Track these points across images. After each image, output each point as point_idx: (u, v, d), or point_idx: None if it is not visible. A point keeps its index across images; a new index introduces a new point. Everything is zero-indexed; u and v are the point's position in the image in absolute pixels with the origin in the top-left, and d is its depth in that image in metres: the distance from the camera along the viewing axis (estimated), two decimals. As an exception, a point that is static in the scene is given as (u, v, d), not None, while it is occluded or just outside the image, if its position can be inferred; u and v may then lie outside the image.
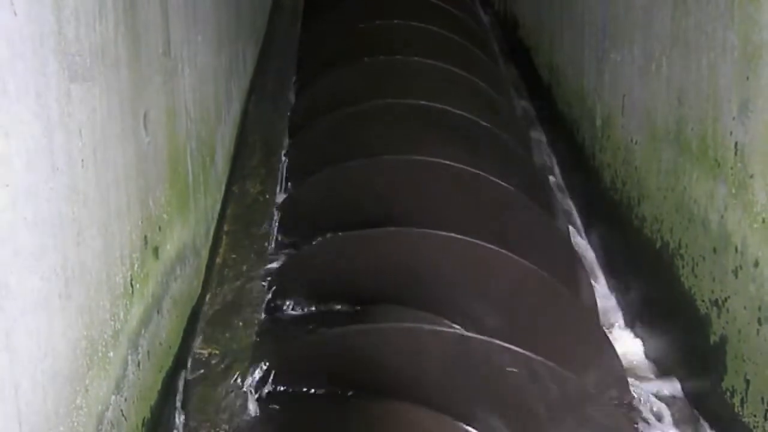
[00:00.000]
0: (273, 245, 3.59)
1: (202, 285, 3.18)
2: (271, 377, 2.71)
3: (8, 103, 1.49)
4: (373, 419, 2.62)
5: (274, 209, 3.78)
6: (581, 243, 3.98)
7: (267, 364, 2.73)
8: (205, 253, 3.29)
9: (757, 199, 2.49)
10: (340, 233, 3.40)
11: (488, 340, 2.60)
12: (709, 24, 2.79)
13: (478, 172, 3.48)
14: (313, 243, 3.42)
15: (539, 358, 2.53)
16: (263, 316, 3.13)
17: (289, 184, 4.08)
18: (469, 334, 2.79)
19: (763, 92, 2.45)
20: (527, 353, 2.54)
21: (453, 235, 3.05)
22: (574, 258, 3.42)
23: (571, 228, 4.01)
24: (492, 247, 3.02)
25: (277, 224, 3.70)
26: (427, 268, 3.10)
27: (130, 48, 2.29)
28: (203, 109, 3.35)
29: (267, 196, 3.94)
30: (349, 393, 2.68)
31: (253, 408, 2.61)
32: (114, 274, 2.10)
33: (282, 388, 2.71)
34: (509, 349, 2.54)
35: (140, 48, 2.41)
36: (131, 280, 2.24)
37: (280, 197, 3.96)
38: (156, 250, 2.53)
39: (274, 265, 3.41)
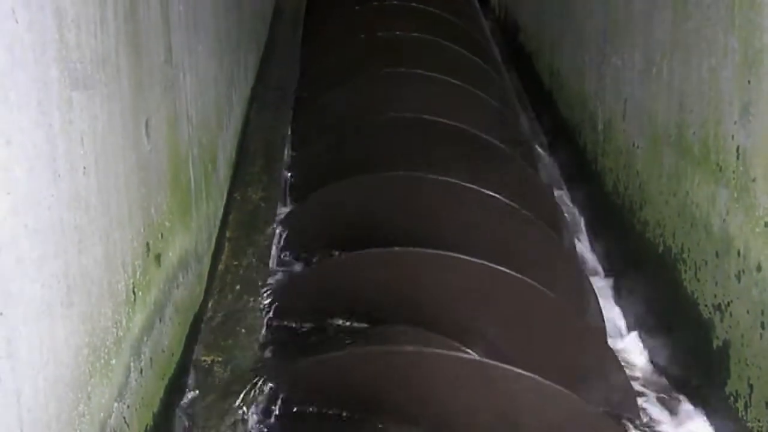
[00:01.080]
0: (274, 263, 3.55)
1: (204, 292, 3.18)
2: (278, 398, 2.68)
3: (10, 111, 1.50)
4: None
5: (275, 225, 3.75)
6: (583, 247, 3.97)
7: (273, 384, 2.70)
8: (207, 260, 3.29)
9: (759, 202, 2.49)
10: (343, 253, 3.36)
11: (496, 365, 2.58)
12: (710, 28, 2.79)
13: (482, 189, 3.44)
14: (316, 262, 3.39)
15: (548, 382, 2.51)
16: (265, 331, 3.10)
17: (291, 199, 4.04)
18: (476, 357, 2.77)
19: (764, 96, 2.45)
20: (535, 377, 2.51)
21: (458, 255, 3.01)
22: (581, 276, 3.36)
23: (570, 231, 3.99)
24: (497, 267, 2.98)
25: (278, 241, 3.66)
26: (431, 288, 3.06)
27: (131, 56, 2.29)
28: (205, 117, 3.36)
29: (269, 203, 3.95)
30: (356, 415, 2.66)
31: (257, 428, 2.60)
32: (116, 282, 2.10)
33: (288, 409, 2.68)
34: (520, 374, 2.52)
35: (141, 56, 2.41)
36: (133, 287, 2.24)
37: (282, 211, 3.91)
38: (158, 257, 2.53)
39: (278, 276, 3.38)
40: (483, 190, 3.44)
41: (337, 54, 4.99)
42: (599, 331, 3.22)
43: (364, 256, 3.20)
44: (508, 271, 2.97)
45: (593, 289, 3.33)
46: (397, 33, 4.90)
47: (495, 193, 3.44)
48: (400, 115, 4.02)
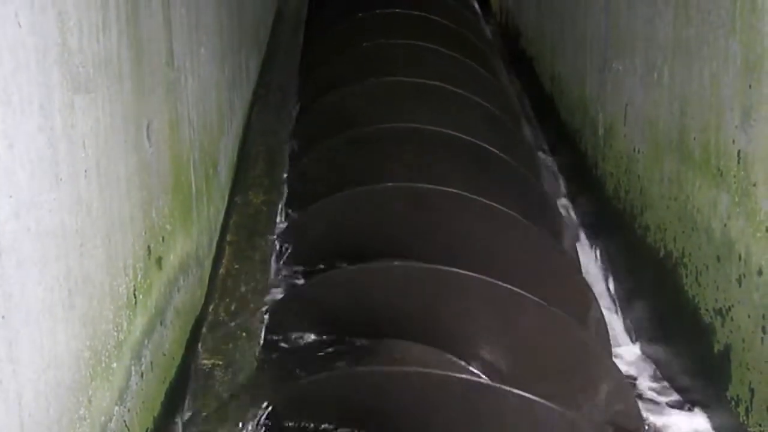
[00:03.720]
0: (273, 275, 3.52)
1: (205, 295, 3.18)
2: (277, 415, 2.66)
3: (12, 114, 1.50)
4: None
5: (275, 238, 3.71)
6: (584, 251, 3.97)
7: (269, 404, 2.67)
8: (208, 264, 3.29)
9: (760, 207, 2.49)
10: (343, 267, 3.33)
11: (498, 387, 2.56)
12: (711, 33, 2.79)
13: (484, 200, 3.41)
14: (315, 276, 3.37)
15: (551, 404, 2.49)
16: (263, 346, 3.07)
17: (290, 211, 3.99)
18: (478, 379, 2.75)
19: (765, 101, 2.45)
20: (536, 399, 2.50)
21: (458, 270, 2.98)
22: (585, 290, 3.34)
23: (572, 235, 3.99)
24: (498, 282, 2.95)
25: (278, 253, 3.64)
26: (431, 303, 3.04)
27: (133, 59, 2.30)
28: (206, 120, 3.36)
29: (270, 207, 3.95)
30: None
31: None
32: (117, 285, 2.10)
33: (285, 428, 2.66)
34: (520, 395, 2.50)
35: (143, 59, 2.41)
36: (134, 290, 2.24)
37: (281, 225, 3.88)
38: (159, 261, 2.53)
39: (277, 290, 3.36)
40: (484, 200, 3.41)
41: (337, 62, 4.97)
42: (602, 342, 3.20)
43: (364, 271, 3.17)
44: (510, 287, 2.94)
45: (596, 298, 3.31)
46: (399, 41, 4.89)
47: (496, 203, 3.41)
48: (400, 125, 3.99)
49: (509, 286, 2.93)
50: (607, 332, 3.26)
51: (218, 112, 3.66)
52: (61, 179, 1.72)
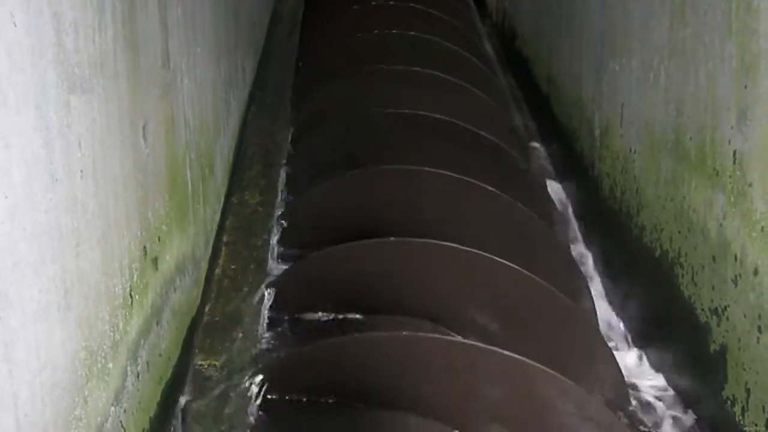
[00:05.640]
0: (274, 255, 3.59)
1: (201, 296, 3.18)
2: (270, 386, 2.70)
3: (8, 115, 1.50)
4: (371, 427, 2.61)
5: (275, 220, 3.78)
6: (581, 252, 3.98)
7: (266, 373, 2.72)
8: (204, 264, 3.29)
9: (756, 207, 2.49)
10: (339, 244, 3.39)
11: (484, 347, 2.60)
12: (707, 34, 2.79)
13: (476, 182, 3.49)
14: (313, 253, 3.42)
15: (537, 364, 2.53)
16: (265, 324, 3.13)
17: (289, 194, 4.08)
18: (466, 341, 2.79)
19: (761, 101, 2.46)
20: (524, 359, 2.54)
21: (450, 244, 3.06)
22: (573, 266, 3.42)
23: (570, 237, 4.01)
24: (489, 256, 3.02)
25: (277, 235, 3.70)
26: (424, 278, 3.10)
27: (129, 60, 2.29)
28: (202, 121, 3.36)
29: (266, 207, 3.95)
30: (348, 402, 2.68)
31: (253, 416, 2.61)
32: (113, 285, 2.10)
33: (281, 396, 2.71)
34: (507, 356, 2.54)
35: (139, 60, 2.41)
36: (130, 291, 2.24)
37: (280, 207, 3.96)
38: (155, 261, 2.52)
39: (274, 275, 3.40)
40: (476, 182, 3.50)
41: (332, 53, 5.04)
42: (590, 318, 3.26)
43: (356, 248, 3.24)
44: (500, 260, 3.02)
45: (585, 280, 3.36)
46: (393, 31, 4.96)
47: (487, 185, 3.49)
48: (396, 111, 4.08)
49: (503, 261, 3.01)
50: (596, 314, 3.32)
51: (214, 113, 3.66)
52: (56, 179, 1.72)
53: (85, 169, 1.89)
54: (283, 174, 4.24)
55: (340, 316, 3.21)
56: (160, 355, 2.54)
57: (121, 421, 2.09)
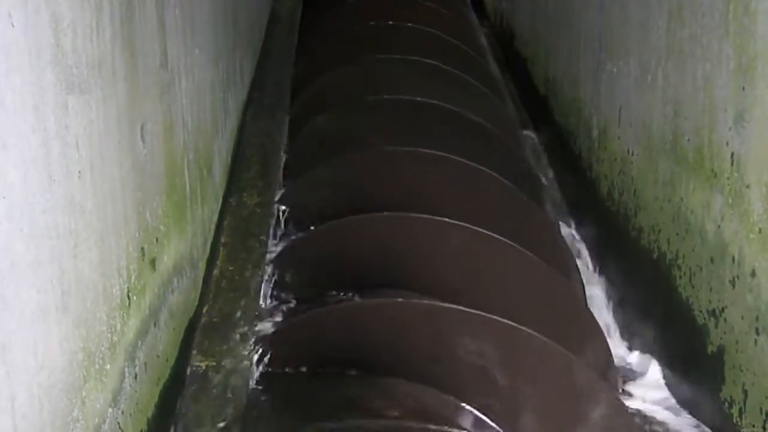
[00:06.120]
0: (275, 239, 3.65)
1: (199, 297, 3.18)
2: (266, 358, 2.73)
3: (5, 115, 1.50)
4: (365, 393, 2.64)
5: (274, 207, 3.82)
6: (578, 252, 3.98)
7: (260, 346, 2.75)
8: (202, 265, 3.29)
9: (753, 208, 2.50)
10: (336, 221, 3.44)
11: (472, 312, 2.64)
12: (705, 35, 2.80)
13: (470, 163, 3.57)
14: (311, 230, 3.49)
15: (529, 330, 2.57)
16: (267, 302, 3.17)
17: (287, 179, 4.14)
18: (453, 305, 2.80)
19: (758, 102, 2.46)
20: (516, 325, 2.58)
21: (443, 219, 3.13)
22: (562, 244, 3.52)
23: (567, 237, 4.01)
24: (483, 231, 3.10)
25: (276, 221, 3.75)
26: (418, 253, 3.16)
27: (127, 60, 2.29)
28: (200, 121, 3.36)
29: (264, 208, 3.94)
30: (344, 371, 2.72)
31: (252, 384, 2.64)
32: (111, 286, 2.09)
33: (275, 369, 2.74)
34: (496, 320, 2.57)
35: (137, 60, 2.41)
36: (128, 292, 2.24)
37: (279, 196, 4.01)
38: (153, 262, 2.52)
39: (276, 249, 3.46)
40: (471, 163, 3.58)
41: (330, 45, 5.12)
42: (579, 294, 3.34)
43: (349, 223, 3.28)
44: (493, 234, 3.08)
45: (574, 260, 3.46)
46: (390, 23, 5.04)
47: (482, 166, 3.57)
48: (393, 97, 4.14)
49: (497, 236, 3.07)
50: (584, 291, 3.40)
51: (213, 114, 3.66)
52: (54, 180, 1.71)
53: (83, 169, 1.89)
54: (280, 175, 4.26)
55: (337, 293, 3.25)
56: (158, 356, 2.54)
57: (118, 423, 2.09)
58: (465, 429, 2.56)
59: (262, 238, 3.70)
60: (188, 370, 2.83)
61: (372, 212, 3.35)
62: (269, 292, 3.28)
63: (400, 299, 2.86)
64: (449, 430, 2.54)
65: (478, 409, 2.60)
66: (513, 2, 6.20)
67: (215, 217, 3.65)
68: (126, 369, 2.18)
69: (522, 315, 2.83)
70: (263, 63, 5.48)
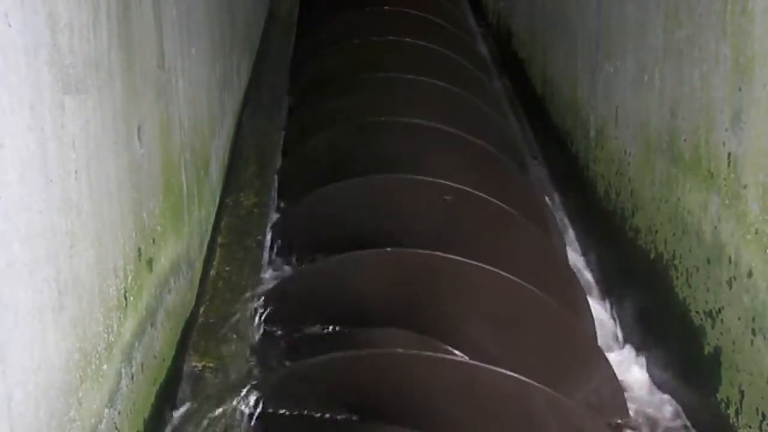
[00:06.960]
0: (267, 263, 3.56)
1: (195, 297, 3.18)
2: (267, 400, 2.67)
3: (2, 115, 1.49)
4: None
5: (268, 228, 3.75)
6: (574, 254, 3.98)
7: (258, 392, 2.69)
8: (199, 266, 3.28)
9: (750, 209, 2.50)
10: (335, 256, 3.36)
11: (489, 368, 2.59)
12: (702, 36, 2.80)
13: (474, 191, 3.48)
14: (308, 264, 3.41)
15: (540, 385, 2.52)
16: (258, 337, 3.10)
17: (282, 202, 4.04)
18: (468, 360, 2.78)
19: (755, 103, 2.46)
20: (527, 380, 2.53)
21: (446, 255, 3.03)
22: (571, 278, 3.39)
23: (564, 238, 4.01)
24: (486, 266, 3.00)
25: (270, 244, 3.67)
26: (417, 289, 3.08)
27: (124, 60, 2.29)
28: (197, 122, 3.35)
29: (261, 209, 3.94)
30: (341, 418, 2.67)
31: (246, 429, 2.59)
32: (107, 287, 2.09)
33: (278, 411, 2.68)
34: (511, 376, 2.53)
35: (134, 60, 2.41)
36: (125, 292, 2.24)
37: (274, 216, 3.93)
38: (150, 262, 2.52)
39: (268, 284, 3.37)
40: (473, 191, 3.49)
41: (328, 59, 5.03)
42: (589, 331, 3.24)
43: (348, 259, 3.22)
44: (496, 270, 3.01)
45: (584, 292, 3.35)
46: (390, 38, 4.97)
47: (483, 194, 3.48)
48: (391, 119, 4.06)
49: (500, 271, 3.00)
50: (594, 323, 3.30)
51: (209, 114, 3.66)
52: (51, 180, 1.71)
53: (80, 169, 1.89)
54: (276, 181, 4.23)
55: (334, 329, 3.18)
56: (155, 356, 2.54)
57: (115, 423, 2.08)
58: None
59: (258, 238, 3.70)
60: (185, 371, 2.82)
61: (370, 243, 3.28)
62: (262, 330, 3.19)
63: (401, 350, 2.75)
64: None
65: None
66: (510, 2, 6.20)
67: (212, 218, 3.65)
68: (122, 369, 2.18)
69: (531, 355, 2.83)
70: (260, 63, 5.48)
